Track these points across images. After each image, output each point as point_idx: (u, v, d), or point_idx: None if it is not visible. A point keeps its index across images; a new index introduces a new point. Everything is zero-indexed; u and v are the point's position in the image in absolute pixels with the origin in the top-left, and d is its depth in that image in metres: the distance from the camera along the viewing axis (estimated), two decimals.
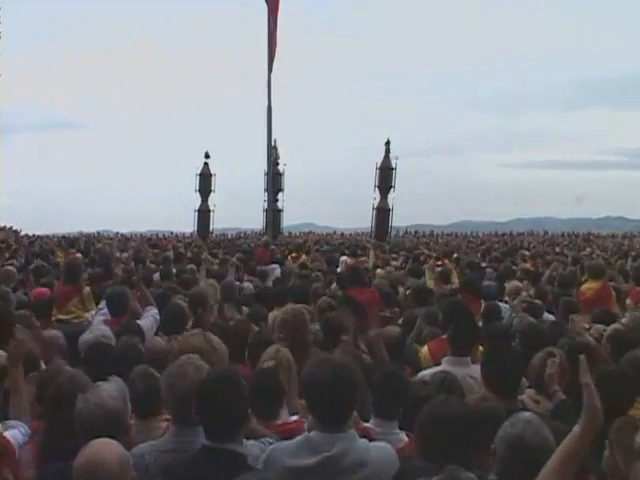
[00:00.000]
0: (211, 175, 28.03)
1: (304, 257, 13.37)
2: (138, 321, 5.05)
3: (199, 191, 27.76)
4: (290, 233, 38.62)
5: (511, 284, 7.79)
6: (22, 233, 28.93)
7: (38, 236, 27.74)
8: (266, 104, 23.84)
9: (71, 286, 6.55)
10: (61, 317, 6.31)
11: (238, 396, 2.56)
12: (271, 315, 5.71)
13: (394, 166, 26.40)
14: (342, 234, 37.74)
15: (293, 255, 13.96)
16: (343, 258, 12.82)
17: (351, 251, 14.56)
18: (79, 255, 12.55)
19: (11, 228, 29.19)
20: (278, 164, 28.49)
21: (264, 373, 3.31)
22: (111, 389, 2.80)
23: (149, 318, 5.14)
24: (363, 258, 12.80)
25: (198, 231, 27.72)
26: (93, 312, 5.96)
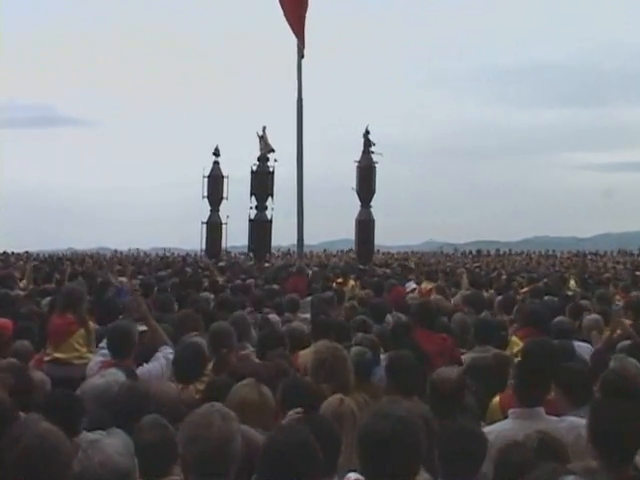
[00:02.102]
0: (222, 177, 25.91)
1: (351, 283, 12.94)
2: (145, 365, 4.93)
3: (207, 198, 25.91)
4: (325, 251, 37.15)
5: (589, 317, 7.48)
6: None
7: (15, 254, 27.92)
8: (296, 96, 22.62)
9: (70, 316, 6.00)
10: (59, 356, 5.76)
11: (314, 459, 2.59)
12: (301, 354, 5.67)
13: (375, 163, 24.32)
14: (388, 253, 36.06)
15: (339, 281, 13.23)
16: (410, 284, 12.44)
17: (426, 275, 13.62)
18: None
19: None
20: (268, 159, 25.61)
21: (320, 421, 3.29)
22: (116, 444, 2.79)
23: (160, 360, 4.98)
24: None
25: (206, 249, 25.84)
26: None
